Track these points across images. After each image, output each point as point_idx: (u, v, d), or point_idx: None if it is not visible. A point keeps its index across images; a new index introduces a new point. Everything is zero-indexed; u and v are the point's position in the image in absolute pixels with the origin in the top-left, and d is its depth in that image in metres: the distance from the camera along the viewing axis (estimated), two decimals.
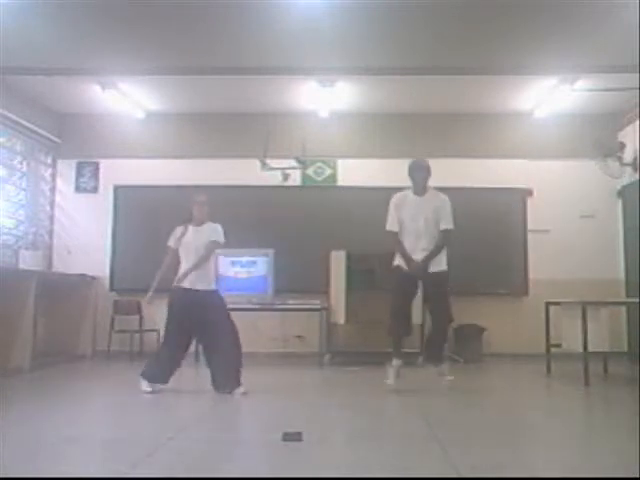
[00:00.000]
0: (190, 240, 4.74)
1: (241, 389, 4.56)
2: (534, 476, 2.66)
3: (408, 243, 4.74)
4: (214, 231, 4.77)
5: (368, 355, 6.84)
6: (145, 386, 4.64)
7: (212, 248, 4.75)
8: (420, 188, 4.85)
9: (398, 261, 4.81)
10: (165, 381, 4.69)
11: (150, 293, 4.79)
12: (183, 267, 4.74)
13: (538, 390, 5.31)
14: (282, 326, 7.00)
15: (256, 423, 3.90)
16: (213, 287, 4.77)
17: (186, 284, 4.67)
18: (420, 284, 4.77)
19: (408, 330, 4.86)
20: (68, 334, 7.04)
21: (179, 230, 4.83)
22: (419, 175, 4.85)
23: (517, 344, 7.05)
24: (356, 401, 4.49)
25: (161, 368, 4.68)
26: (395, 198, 4.91)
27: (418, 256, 4.69)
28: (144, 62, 5.80)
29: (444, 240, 4.77)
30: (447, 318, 4.73)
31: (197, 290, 4.65)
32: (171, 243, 4.85)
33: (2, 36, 4.95)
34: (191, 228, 4.80)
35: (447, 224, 4.78)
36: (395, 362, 4.76)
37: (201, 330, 4.67)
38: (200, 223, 4.79)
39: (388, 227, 4.85)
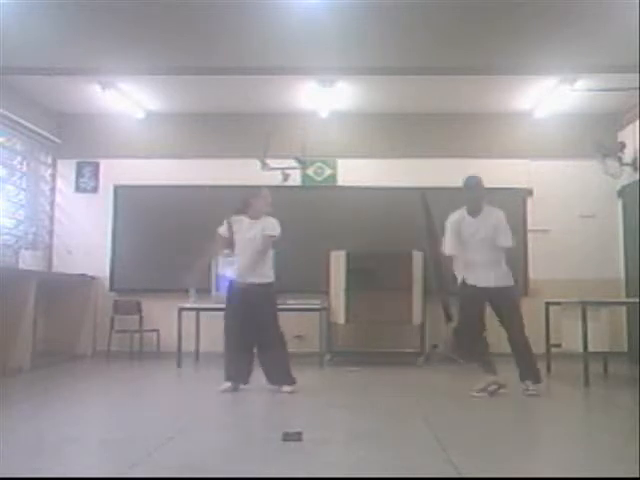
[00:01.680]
0: (247, 233, 4.69)
1: (288, 388, 4.64)
2: (534, 476, 2.66)
3: (471, 264, 4.66)
4: (271, 224, 4.73)
5: (368, 355, 6.85)
6: (224, 386, 4.64)
7: (269, 242, 4.73)
8: (473, 209, 4.69)
9: (461, 275, 4.71)
10: (245, 381, 4.70)
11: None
12: (240, 261, 4.71)
13: (538, 390, 5.30)
14: (282, 326, 6.97)
15: (256, 423, 3.90)
16: (269, 280, 4.74)
17: (243, 279, 4.65)
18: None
19: (482, 347, 4.74)
20: (68, 334, 7.05)
21: (234, 220, 4.76)
22: (470, 195, 4.69)
23: None
24: (356, 401, 4.50)
25: (236, 368, 4.68)
26: (453, 217, 4.75)
27: (480, 274, 4.61)
28: (144, 62, 5.81)
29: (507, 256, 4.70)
30: (520, 331, 4.63)
31: (253, 284, 4.63)
32: (223, 232, 4.77)
33: (2, 36, 4.96)
34: (247, 221, 4.74)
35: (505, 242, 4.65)
36: (490, 378, 4.65)
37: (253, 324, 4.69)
38: (257, 217, 4.73)
39: (447, 251, 4.73)
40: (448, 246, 4.71)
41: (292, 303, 6.60)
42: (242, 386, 4.70)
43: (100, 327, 7.18)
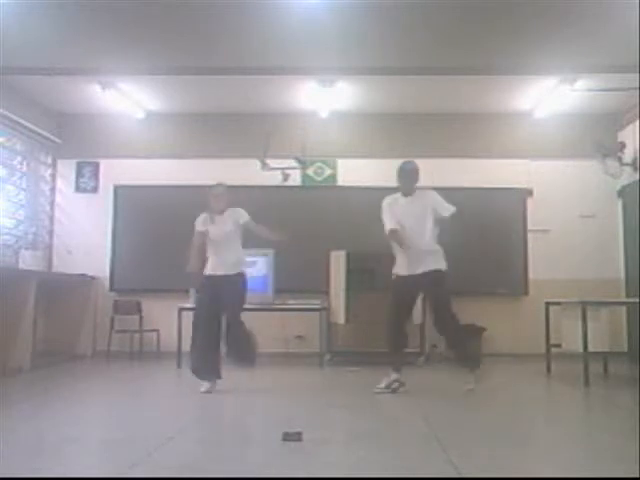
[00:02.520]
0: (216, 229, 4.77)
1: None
2: (534, 476, 2.66)
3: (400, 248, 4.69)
4: (237, 214, 4.83)
5: (368, 355, 6.84)
6: (204, 388, 4.64)
7: (238, 231, 4.83)
8: (406, 191, 4.83)
9: (396, 269, 4.78)
10: (218, 376, 4.71)
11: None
12: (212, 256, 4.78)
13: (538, 390, 5.30)
14: (282, 326, 6.99)
15: (256, 423, 3.89)
16: (238, 271, 4.78)
17: (214, 272, 4.72)
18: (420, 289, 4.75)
19: (406, 342, 4.82)
20: (68, 334, 7.05)
21: (203, 217, 4.84)
22: (404, 178, 4.83)
23: (517, 344, 7.06)
24: (356, 401, 4.49)
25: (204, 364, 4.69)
26: (386, 200, 4.89)
27: (413, 260, 4.64)
28: (144, 62, 5.81)
29: (454, 225, 4.76)
30: (450, 316, 4.66)
31: (222, 275, 4.70)
32: (200, 227, 4.81)
33: (2, 36, 4.96)
34: (206, 216, 4.83)
35: (447, 211, 4.74)
36: (394, 375, 4.70)
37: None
38: (221, 212, 4.82)
39: (389, 226, 4.77)
40: (388, 223, 4.76)
41: (292, 303, 6.61)
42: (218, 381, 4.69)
43: (100, 327, 7.18)
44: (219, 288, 4.66)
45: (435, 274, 4.66)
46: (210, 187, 4.93)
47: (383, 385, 4.69)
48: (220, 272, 4.72)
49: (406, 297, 4.77)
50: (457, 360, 4.85)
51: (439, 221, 4.76)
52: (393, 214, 4.77)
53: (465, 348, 4.85)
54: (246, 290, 4.80)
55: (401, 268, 4.75)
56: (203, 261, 4.82)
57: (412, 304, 4.86)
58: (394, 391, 4.66)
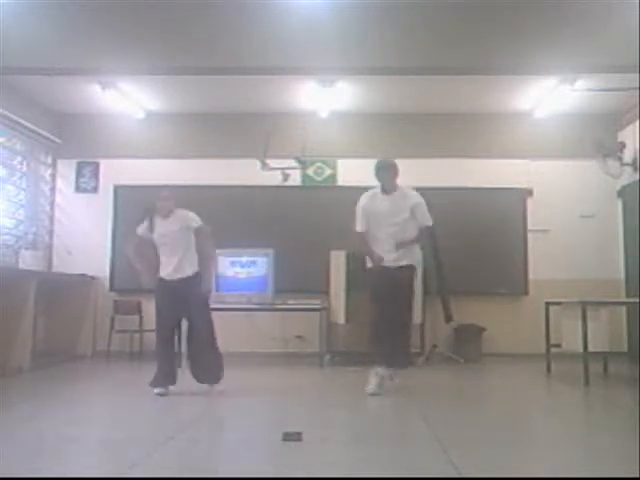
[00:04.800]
0: (163, 231, 4.71)
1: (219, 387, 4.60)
2: (534, 476, 2.66)
3: (378, 242, 4.66)
4: (188, 218, 4.75)
5: (368, 355, 6.82)
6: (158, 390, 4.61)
7: (205, 233, 4.75)
8: (387, 187, 4.76)
9: (369, 263, 4.73)
10: (173, 382, 4.66)
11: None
12: (164, 260, 4.72)
13: (538, 390, 5.31)
14: (282, 326, 7.00)
15: (256, 423, 3.89)
16: (194, 271, 4.71)
17: (170, 276, 4.65)
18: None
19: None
20: (68, 334, 7.04)
21: (146, 223, 4.79)
22: (384, 174, 4.76)
23: (517, 344, 7.05)
24: (356, 401, 4.49)
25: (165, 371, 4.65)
26: (363, 198, 4.83)
27: (389, 256, 4.59)
28: (144, 62, 5.80)
29: (424, 237, 4.77)
30: (403, 316, 4.61)
31: (180, 279, 4.63)
32: (140, 231, 4.80)
33: (2, 36, 4.96)
34: (158, 220, 4.77)
35: (427, 221, 4.72)
36: (379, 370, 4.65)
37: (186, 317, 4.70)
38: (167, 214, 4.76)
39: (358, 229, 4.75)
40: (358, 224, 4.75)
41: (292, 303, 6.61)
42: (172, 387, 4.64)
43: (100, 327, 7.18)
44: (178, 292, 4.60)
45: (405, 269, 4.62)
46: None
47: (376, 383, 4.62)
48: (177, 275, 4.63)
49: (381, 288, 4.65)
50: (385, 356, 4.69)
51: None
52: (366, 214, 4.73)
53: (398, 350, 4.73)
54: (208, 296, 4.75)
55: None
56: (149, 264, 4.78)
57: (390, 295, 4.68)
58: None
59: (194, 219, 4.74)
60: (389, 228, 4.65)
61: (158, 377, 4.62)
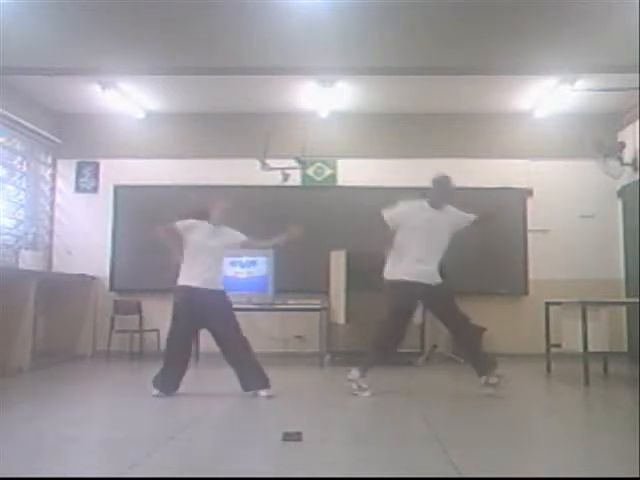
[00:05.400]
0: (211, 241, 4.63)
1: (264, 392, 4.54)
2: (534, 476, 2.66)
3: (411, 253, 4.61)
4: (235, 236, 4.77)
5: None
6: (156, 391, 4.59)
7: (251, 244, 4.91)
8: (437, 203, 4.71)
9: (398, 274, 4.64)
10: (176, 388, 4.64)
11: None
12: (196, 268, 4.59)
13: (538, 390, 5.31)
14: (282, 326, 7.00)
15: (256, 423, 3.89)
16: (222, 287, 4.72)
17: (204, 285, 4.57)
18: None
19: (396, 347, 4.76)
20: (68, 334, 7.04)
21: (192, 224, 4.68)
22: (438, 190, 4.72)
23: (517, 344, 7.05)
24: (356, 401, 4.49)
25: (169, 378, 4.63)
26: (413, 203, 4.76)
27: (418, 268, 4.57)
28: (144, 62, 5.80)
29: (479, 225, 4.80)
30: (462, 323, 4.62)
31: (209, 290, 4.58)
32: (179, 226, 4.68)
33: (2, 36, 4.96)
34: (207, 226, 4.68)
35: (469, 217, 4.75)
36: (357, 374, 4.60)
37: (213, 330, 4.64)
38: (218, 224, 4.70)
39: (386, 217, 4.73)
40: (390, 214, 4.74)
41: (292, 303, 6.61)
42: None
43: (100, 327, 7.18)
44: (202, 303, 4.53)
45: (439, 287, 4.63)
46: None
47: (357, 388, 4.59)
48: (204, 285, 4.57)
49: (412, 304, 4.69)
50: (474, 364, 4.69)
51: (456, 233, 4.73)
52: (404, 219, 4.68)
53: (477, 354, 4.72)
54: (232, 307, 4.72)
55: (403, 273, 4.63)
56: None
57: (413, 311, 4.76)
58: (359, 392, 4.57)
59: (239, 235, 4.80)
60: (432, 245, 4.61)
61: (161, 380, 4.61)
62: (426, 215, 4.67)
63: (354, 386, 4.59)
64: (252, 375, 4.56)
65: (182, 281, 4.61)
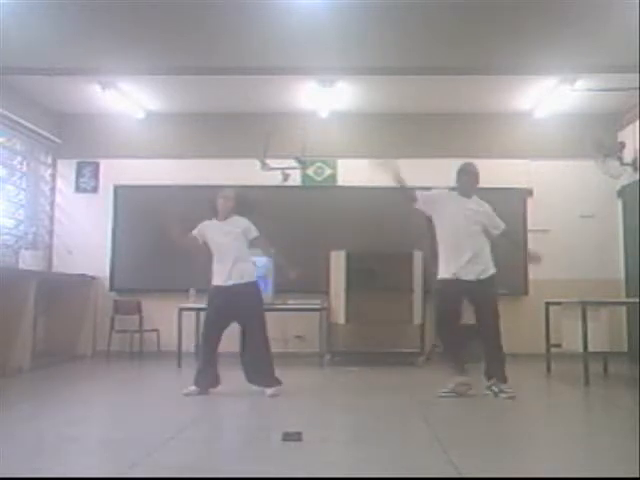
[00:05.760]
0: (220, 235, 4.65)
1: (271, 390, 4.54)
2: (534, 476, 2.66)
3: (455, 253, 4.56)
4: (246, 226, 4.70)
5: (368, 355, 6.85)
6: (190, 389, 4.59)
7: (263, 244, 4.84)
8: (466, 192, 4.71)
9: (442, 273, 4.60)
10: (215, 385, 4.66)
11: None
12: (218, 267, 4.64)
13: (538, 390, 5.31)
14: (282, 326, 6.98)
15: (256, 423, 3.89)
16: (252, 279, 4.69)
17: (227, 281, 4.59)
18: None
19: (463, 342, 4.73)
20: (68, 334, 7.04)
21: (204, 226, 4.74)
22: (465, 178, 4.72)
23: (517, 344, 7.01)
24: (356, 401, 4.49)
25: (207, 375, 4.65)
26: (443, 192, 4.77)
27: (468, 268, 4.52)
28: (144, 62, 5.81)
29: (503, 240, 4.77)
30: (495, 326, 4.58)
31: (236, 284, 4.59)
32: (195, 232, 4.74)
33: (2, 36, 4.96)
34: (215, 223, 4.72)
35: (501, 224, 4.74)
36: (459, 378, 4.59)
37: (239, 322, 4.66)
38: (226, 216, 4.71)
39: (418, 197, 4.66)
40: (422, 198, 4.67)
41: (292, 303, 6.61)
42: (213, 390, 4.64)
43: (100, 327, 7.18)
44: (230, 299, 4.56)
45: (487, 281, 4.58)
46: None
47: (448, 389, 4.56)
48: (233, 281, 4.58)
49: (452, 301, 4.63)
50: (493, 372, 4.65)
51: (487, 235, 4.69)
52: (435, 201, 4.67)
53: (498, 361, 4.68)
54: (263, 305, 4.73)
55: (446, 272, 4.60)
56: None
57: (459, 307, 4.68)
58: (460, 395, 4.53)
59: (251, 229, 4.71)
60: (467, 238, 4.57)
61: (198, 377, 4.63)
62: (456, 202, 4.67)
63: (459, 389, 4.56)
64: (262, 373, 4.58)
65: (212, 281, 4.69)
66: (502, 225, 4.76)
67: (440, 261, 4.67)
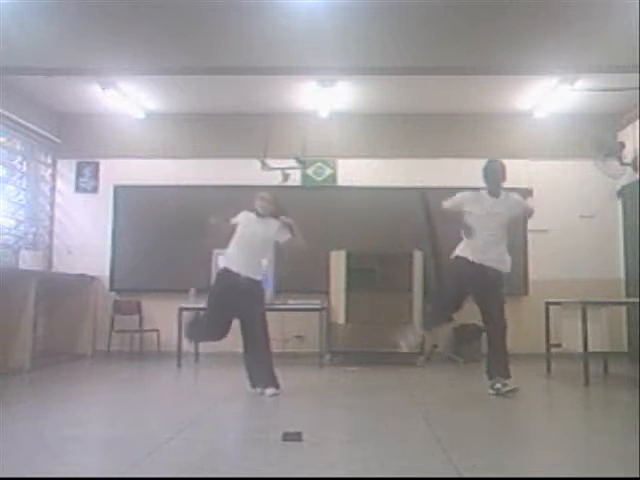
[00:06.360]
0: (255, 232, 4.70)
1: (270, 390, 4.54)
2: (534, 476, 2.66)
3: (477, 243, 4.61)
4: (280, 230, 4.77)
5: (368, 355, 6.84)
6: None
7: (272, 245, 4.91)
8: (494, 191, 4.75)
9: (462, 251, 4.65)
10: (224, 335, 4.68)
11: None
12: (239, 256, 4.67)
13: (538, 390, 5.30)
14: (282, 326, 6.98)
15: (256, 423, 3.89)
16: (260, 278, 4.75)
17: (245, 272, 4.63)
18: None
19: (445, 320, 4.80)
20: (68, 334, 7.04)
21: (244, 214, 4.80)
22: (493, 178, 4.76)
23: (517, 344, 7.00)
24: (356, 401, 4.49)
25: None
26: (470, 193, 4.77)
27: (487, 256, 4.60)
28: (144, 62, 5.80)
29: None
30: (501, 321, 4.60)
31: (247, 277, 4.63)
32: (234, 220, 4.78)
33: (2, 36, 4.95)
34: (254, 217, 4.77)
35: (523, 202, 4.90)
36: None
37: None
38: (265, 215, 4.77)
39: (446, 205, 4.69)
40: (451, 202, 4.70)
41: (292, 303, 6.61)
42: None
43: (100, 327, 7.18)
44: (239, 290, 4.58)
45: (500, 274, 4.65)
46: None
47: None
48: (246, 273, 4.63)
49: (464, 279, 4.65)
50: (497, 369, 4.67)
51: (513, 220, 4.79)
52: (462, 205, 4.68)
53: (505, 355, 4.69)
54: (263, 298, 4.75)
55: (467, 252, 4.65)
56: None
57: (467, 289, 4.72)
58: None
59: (284, 231, 4.77)
60: (491, 231, 4.65)
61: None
62: (484, 202, 4.71)
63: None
64: (261, 373, 4.58)
65: (224, 264, 4.73)
66: (524, 203, 4.92)
67: (464, 244, 4.69)
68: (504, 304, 4.68)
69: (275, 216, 4.79)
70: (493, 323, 4.60)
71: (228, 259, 4.71)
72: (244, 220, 4.76)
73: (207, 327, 4.72)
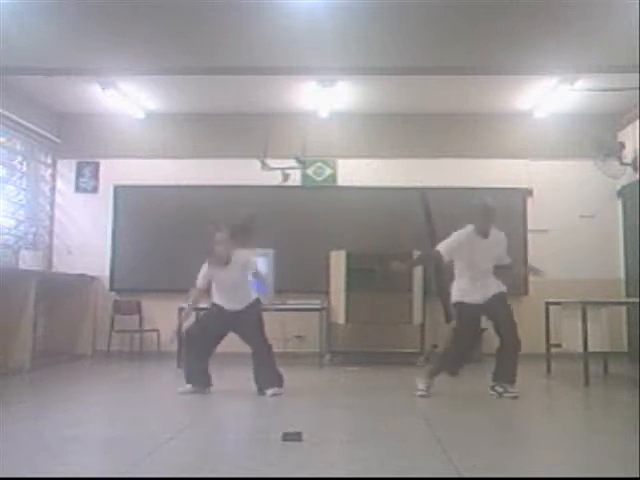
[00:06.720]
0: (223, 278, 4.66)
1: (271, 390, 4.56)
2: (534, 476, 2.66)
3: (471, 284, 4.63)
4: (248, 263, 4.69)
5: (368, 355, 6.85)
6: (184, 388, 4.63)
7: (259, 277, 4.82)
8: (485, 230, 4.67)
9: (459, 296, 4.67)
10: (208, 385, 4.70)
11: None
12: (220, 294, 4.71)
13: (538, 390, 5.30)
14: (282, 326, 6.99)
15: (256, 423, 3.90)
16: (251, 301, 4.74)
17: (229, 306, 4.67)
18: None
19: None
20: (68, 334, 7.05)
21: (205, 269, 4.69)
22: (487, 217, 4.66)
23: None
24: (356, 401, 4.50)
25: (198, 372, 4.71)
26: (464, 236, 4.64)
27: (485, 289, 4.61)
28: (144, 62, 5.79)
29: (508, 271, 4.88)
30: (514, 328, 4.59)
31: (237, 310, 4.66)
32: (199, 283, 4.71)
33: (2, 36, 4.95)
34: (217, 268, 4.64)
35: (507, 259, 4.85)
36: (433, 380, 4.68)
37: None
38: (226, 261, 4.63)
39: (442, 251, 4.62)
40: (446, 250, 4.63)
41: (292, 303, 6.60)
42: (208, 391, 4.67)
43: (100, 327, 7.18)
44: (231, 322, 4.63)
45: (500, 295, 4.67)
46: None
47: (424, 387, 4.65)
48: (234, 308, 4.66)
49: (473, 321, 4.69)
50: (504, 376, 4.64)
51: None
52: (459, 250, 4.62)
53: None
54: (261, 314, 4.77)
55: (466, 297, 4.65)
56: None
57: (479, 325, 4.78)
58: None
59: (250, 264, 4.70)
60: (482, 269, 4.66)
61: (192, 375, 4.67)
62: (476, 245, 4.64)
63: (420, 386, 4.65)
64: (264, 375, 4.61)
65: (213, 299, 4.76)
66: (508, 260, 4.85)
67: (456, 286, 4.72)
68: (512, 313, 4.66)
69: (240, 244, 4.68)
70: (508, 335, 4.59)
71: (213, 296, 4.75)
72: (208, 273, 4.68)
73: (195, 353, 4.69)
